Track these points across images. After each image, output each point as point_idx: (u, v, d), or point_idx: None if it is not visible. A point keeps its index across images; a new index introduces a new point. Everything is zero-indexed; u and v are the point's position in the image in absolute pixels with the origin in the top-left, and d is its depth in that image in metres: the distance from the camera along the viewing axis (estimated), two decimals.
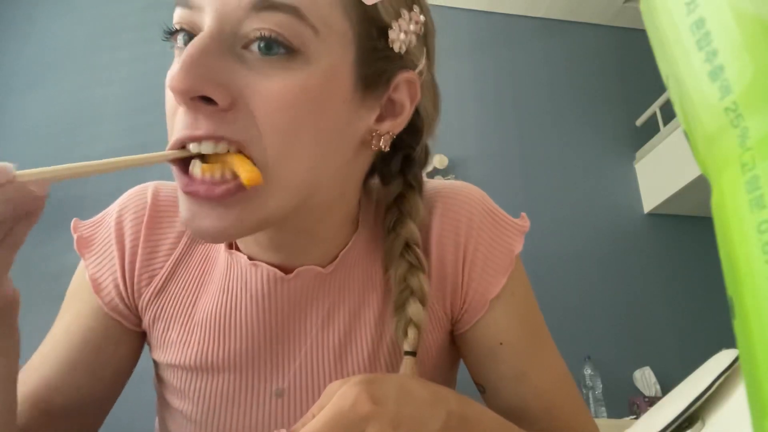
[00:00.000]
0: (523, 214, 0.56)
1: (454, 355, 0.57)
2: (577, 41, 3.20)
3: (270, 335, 0.49)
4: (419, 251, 0.48)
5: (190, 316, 0.50)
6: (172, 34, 0.41)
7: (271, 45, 0.36)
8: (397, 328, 0.47)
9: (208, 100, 0.36)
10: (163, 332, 0.50)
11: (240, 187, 0.36)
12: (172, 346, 0.50)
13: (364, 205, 0.52)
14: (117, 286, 0.50)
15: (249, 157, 0.37)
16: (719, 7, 0.18)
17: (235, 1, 0.36)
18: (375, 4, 0.40)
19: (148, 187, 0.52)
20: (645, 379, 2.45)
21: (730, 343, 0.22)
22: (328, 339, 0.49)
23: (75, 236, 0.51)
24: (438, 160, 2.71)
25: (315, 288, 0.48)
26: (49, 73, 2.70)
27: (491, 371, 0.52)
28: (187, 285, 0.50)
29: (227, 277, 0.49)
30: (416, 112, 0.47)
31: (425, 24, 0.46)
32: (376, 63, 0.42)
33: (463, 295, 0.51)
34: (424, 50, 0.47)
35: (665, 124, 2.77)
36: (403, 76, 0.44)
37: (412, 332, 0.46)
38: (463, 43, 3.05)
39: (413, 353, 0.46)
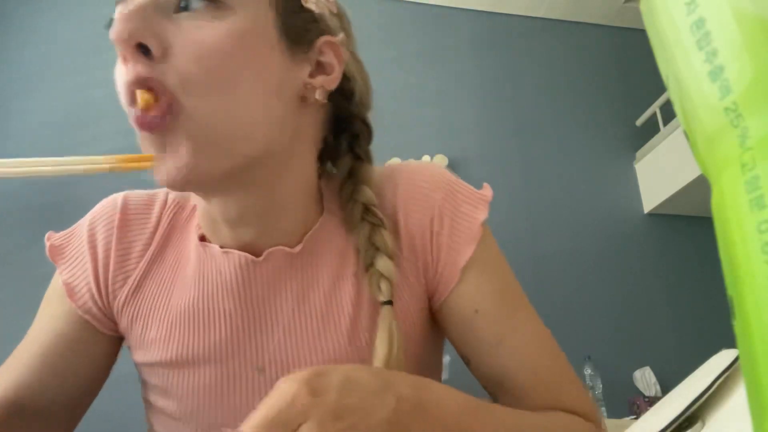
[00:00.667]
0: (486, 184, 0.58)
1: (438, 334, 0.58)
2: (577, 41, 3.20)
3: (248, 318, 0.50)
4: (378, 211, 0.51)
5: (167, 312, 0.51)
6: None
7: (191, 3, 0.41)
8: (371, 284, 0.49)
9: (144, 51, 0.40)
10: (142, 332, 0.51)
11: (168, 109, 0.40)
12: (153, 345, 0.51)
13: (327, 194, 0.55)
14: (90, 290, 0.52)
15: (183, 101, 0.41)
16: (719, 7, 0.18)
17: None
18: None
19: (118, 196, 0.56)
20: (645, 379, 2.45)
21: (730, 343, 0.22)
22: (305, 314, 0.50)
23: (47, 245, 0.54)
24: (438, 161, 2.71)
25: (286, 268, 0.50)
26: (49, 74, 2.70)
27: (471, 341, 0.52)
28: (162, 282, 0.52)
29: (201, 269, 0.51)
30: (348, 80, 0.52)
31: (339, 9, 0.53)
32: (296, 19, 0.47)
33: (434, 266, 0.53)
34: (343, 32, 0.52)
35: (665, 124, 2.77)
36: (325, 39, 0.49)
37: (384, 284, 0.49)
38: (463, 43, 3.05)
39: (389, 302, 0.48)
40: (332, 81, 0.49)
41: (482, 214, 0.54)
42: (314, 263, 0.51)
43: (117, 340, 0.54)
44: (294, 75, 0.47)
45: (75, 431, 0.54)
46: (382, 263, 0.49)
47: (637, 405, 2.37)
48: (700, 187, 2.52)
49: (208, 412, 0.50)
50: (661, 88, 2.59)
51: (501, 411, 0.45)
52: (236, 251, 0.50)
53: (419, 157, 2.70)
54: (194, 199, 0.55)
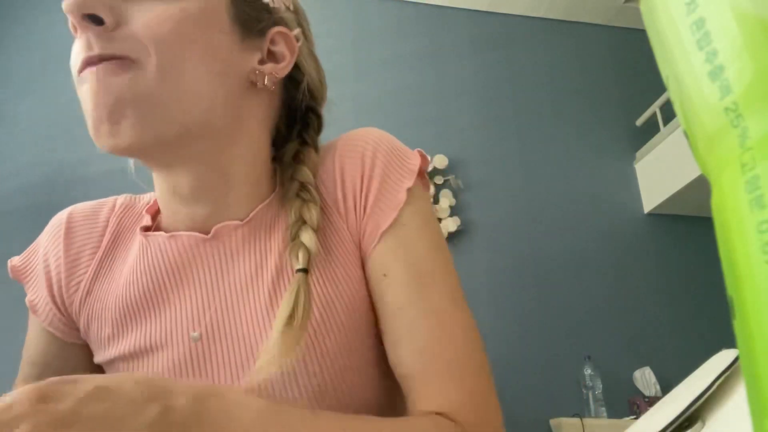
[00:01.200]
0: (420, 150, 0.58)
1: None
2: (577, 41, 3.20)
3: (192, 294, 0.52)
4: (312, 189, 0.53)
5: (116, 308, 0.52)
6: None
7: None
8: (291, 254, 0.50)
9: (97, 21, 0.43)
10: (98, 332, 0.53)
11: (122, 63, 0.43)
12: (109, 342, 0.52)
13: (281, 178, 0.57)
14: (49, 304, 0.54)
15: (138, 60, 0.43)
16: (719, 7, 0.18)
17: None
18: None
19: (65, 211, 0.58)
20: (645, 379, 2.45)
21: (730, 343, 0.22)
22: (235, 284, 0.52)
23: (9, 267, 0.57)
24: (438, 160, 2.71)
25: (238, 242, 0.52)
26: (48, 74, 2.70)
27: (379, 306, 0.52)
28: (111, 281, 0.54)
29: (145, 259, 0.53)
30: (301, 73, 0.56)
31: (296, 7, 0.57)
32: (248, 9, 0.50)
33: (362, 226, 0.54)
34: (300, 28, 0.56)
35: (665, 124, 2.77)
36: (277, 29, 0.53)
37: (302, 253, 0.49)
38: (463, 43, 3.05)
39: (304, 270, 0.48)
40: (281, 70, 0.53)
41: (408, 182, 0.53)
42: (260, 237, 0.53)
43: (87, 347, 0.56)
44: (243, 59, 0.50)
45: None
46: (306, 236, 0.50)
47: (637, 405, 2.37)
48: (700, 187, 2.52)
49: None
50: (661, 88, 2.59)
51: (324, 419, 0.42)
52: (184, 233, 0.52)
53: None
54: (154, 182, 0.55)
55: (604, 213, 2.83)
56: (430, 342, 0.49)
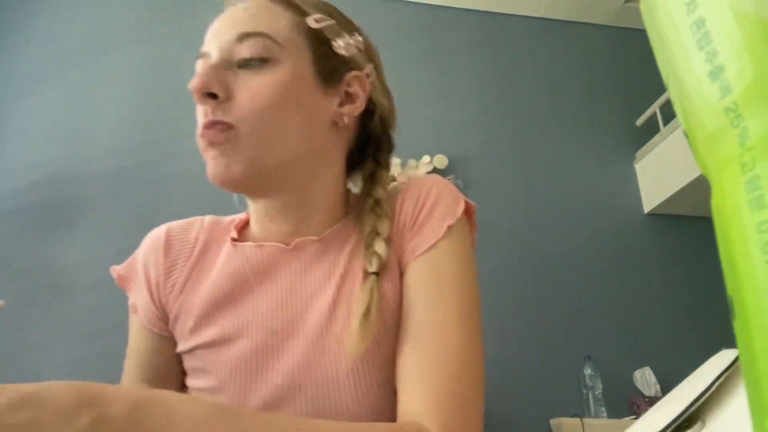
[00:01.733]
0: (469, 200, 0.65)
1: None
2: (577, 41, 3.20)
3: (273, 293, 0.60)
4: (385, 205, 0.63)
5: (202, 304, 0.60)
6: None
7: (249, 61, 0.57)
8: (366, 259, 0.59)
9: (213, 96, 0.55)
10: (183, 324, 0.61)
11: (226, 133, 0.55)
12: (192, 333, 0.60)
13: (353, 202, 0.67)
14: (149, 305, 0.63)
15: (236, 128, 0.56)
16: (719, 7, 0.18)
17: (226, 39, 0.58)
18: (321, 28, 0.61)
19: (162, 228, 0.68)
20: (645, 379, 2.45)
21: (730, 343, 0.22)
22: (310, 286, 0.60)
23: (115, 276, 0.67)
24: (438, 160, 2.71)
25: (314, 253, 0.62)
26: (48, 74, 2.70)
27: (402, 315, 0.59)
28: (199, 282, 0.62)
29: (232, 263, 0.62)
30: (373, 106, 0.65)
31: (366, 44, 0.67)
32: (328, 63, 0.61)
33: (404, 247, 0.62)
34: (371, 63, 0.66)
35: (665, 124, 2.77)
36: (352, 74, 0.63)
37: (376, 259, 0.58)
38: (463, 43, 3.05)
39: (376, 273, 0.57)
40: (357, 109, 0.63)
41: (450, 220, 0.61)
42: (331, 251, 0.62)
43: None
44: (325, 106, 0.61)
45: None
46: (379, 245, 0.59)
47: (637, 405, 2.37)
48: (700, 187, 2.52)
49: (240, 379, 0.57)
50: (661, 88, 2.59)
51: (278, 420, 0.44)
52: (269, 243, 0.62)
53: (419, 157, 2.70)
54: (249, 205, 0.67)
55: (604, 213, 2.83)
56: (428, 352, 0.53)
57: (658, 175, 2.77)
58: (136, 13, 2.88)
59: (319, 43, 0.60)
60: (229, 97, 0.56)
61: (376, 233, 0.60)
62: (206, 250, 0.65)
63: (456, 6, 3.10)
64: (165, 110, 2.69)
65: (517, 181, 2.80)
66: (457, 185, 2.73)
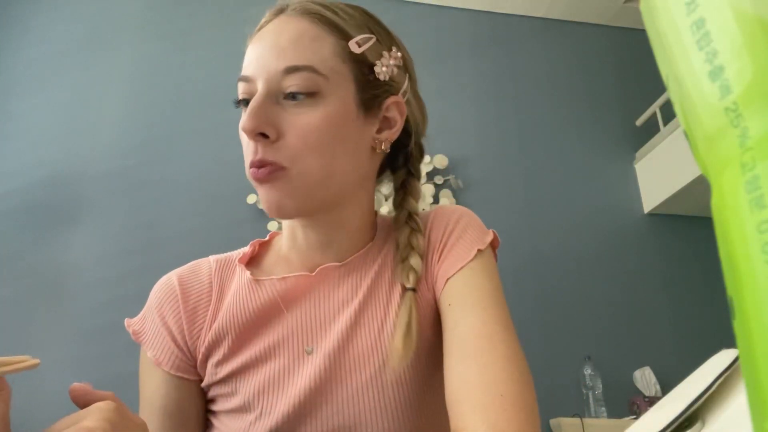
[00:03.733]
0: (495, 231, 0.67)
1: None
2: (577, 41, 3.20)
3: (300, 318, 0.62)
4: (418, 219, 0.65)
5: (231, 337, 0.62)
6: (238, 102, 0.62)
7: (296, 95, 0.57)
8: (402, 274, 0.61)
9: (264, 135, 0.57)
10: (213, 359, 0.63)
11: (278, 169, 0.57)
12: (221, 365, 0.62)
13: (381, 230, 0.69)
14: (174, 354, 0.63)
15: (287, 168, 0.57)
16: (719, 7, 0.18)
17: (273, 71, 0.58)
18: (363, 51, 0.61)
19: (171, 276, 0.67)
20: (645, 379, 2.45)
21: (730, 343, 0.22)
22: (343, 310, 0.62)
23: (130, 331, 0.66)
24: (438, 160, 2.71)
25: (335, 279, 0.64)
26: (48, 74, 2.70)
27: (444, 332, 0.60)
28: (224, 319, 0.63)
29: (258, 295, 0.63)
30: (407, 121, 0.66)
31: (403, 57, 0.66)
32: (369, 91, 0.61)
33: (436, 270, 0.64)
34: (407, 75, 0.67)
35: (665, 124, 2.77)
36: (391, 100, 0.63)
37: (412, 275, 0.60)
38: (463, 43, 3.05)
39: (413, 289, 0.60)
40: (395, 134, 0.64)
41: (479, 245, 0.62)
42: (353, 275, 0.64)
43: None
44: (365, 132, 0.62)
45: None
46: (414, 260, 0.61)
47: (637, 405, 2.37)
48: (700, 187, 2.52)
49: (267, 396, 0.59)
50: (661, 88, 2.59)
51: None
52: (291, 275, 0.63)
53: None
54: (285, 235, 0.68)
55: (604, 213, 2.83)
56: (475, 362, 0.53)
57: (658, 175, 2.77)
58: (136, 13, 2.88)
59: (361, 68, 0.61)
60: (280, 136, 0.57)
61: (411, 247, 0.62)
62: (222, 290, 0.66)
63: (456, 6, 3.10)
64: (165, 110, 2.69)
65: (517, 181, 2.80)
66: (457, 185, 2.74)
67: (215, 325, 0.63)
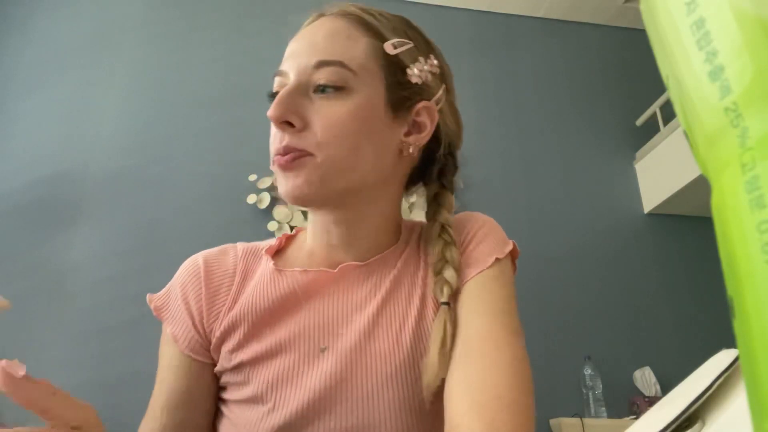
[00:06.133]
0: (517, 247, 0.68)
1: None
2: (577, 41, 3.20)
3: (317, 314, 0.63)
4: (452, 231, 0.65)
5: (249, 324, 0.63)
6: (273, 95, 0.62)
7: (324, 88, 0.58)
8: (436, 287, 0.61)
9: (290, 124, 0.58)
10: (228, 345, 0.63)
11: (298, 159, 0.57)
12: (236, 352, 0.62)
13: (405, 233, 0.69)
14: (191, 334, 0.64)
15: (313, 155, 0.57)
16: (719, 7, 0.18)
17: (305, 64, 0.59)
18: (397, 54, 0.62)
19: (197, 257, 0.69)
20: (645, 379, 2.45)
21: (730, 343, 0.22)
22: (363, 312, 0.62)
23: (152, 306, 0.67)
24: None
25: (356, 278, 0.64)
26: (49, 74, 2.70)
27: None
28: (243, 306, 0.64)
29: (279, 285, 0.64)
30: (438, 130, 0.66)
31: (440, 67, 0.67)
32: (400, 92, 0.62)
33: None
34: (443, 86, 0.67)
35: (665, 124, 2.77)
36: (422, 104, 0.63)
37: (446, 288, 0.60)
38: (463, 43, 3.05)
39: (447, 303, 0.59)
40: (423, 139, 0.64)
41: (497, 254, 0.63)
42: (374, 276, 0.65)
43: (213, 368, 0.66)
44: (393, 134, 0.62)
45: None
46: (449, 273, 0.61)
47: (637, 405, 2.37)
48: (700, 187, 2.52)
49: (281, 389, 0.59)
50: (661, 88, 2.59)
51: None
52: (313, 269, 0.64)
53: None
54: (310, 232, 0.69)
55: (604, 213, 2.83)
56: (478, 363, 0.54)
57: (658, 175, 2.77)
58: (136, 13, 2.88)
59: (394, 69, 0.62)
60: (306, 125, 0.58)
61: (445, 260, 0.62)
62: (246, 278, 0.67)
63: (456, 6, 3.10)
64: (165, 110, 2.69)
65: (517, 181, 2.80)
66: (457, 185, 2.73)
67: (233, 311, 0.64)
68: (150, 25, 2.86)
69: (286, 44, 0.64)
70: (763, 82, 0.17)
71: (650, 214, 2.86)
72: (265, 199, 2.59)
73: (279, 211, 2.56)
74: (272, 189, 2.58)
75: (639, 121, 2.94)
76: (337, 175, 0.58)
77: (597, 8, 3.17)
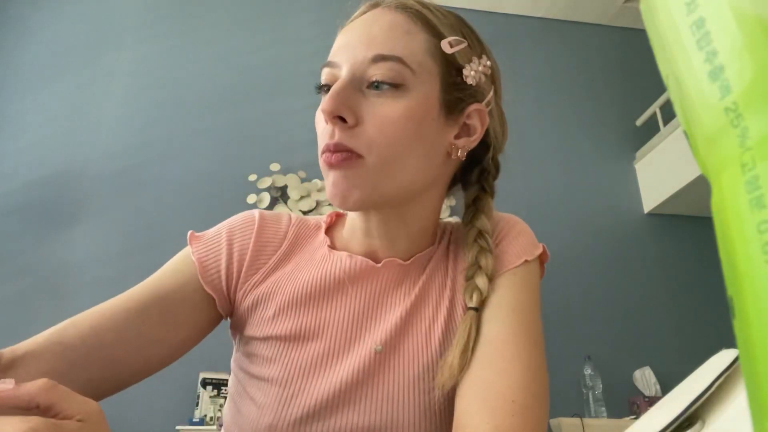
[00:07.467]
0: (547, 251, 0.67)
1: None
2: (577, 41, 3.20)
3: (361, 306, 0.62)
4: (489, 237, 0.63)
5: (286, 296, 0.62)
6: (321, 87, 0.60)
7: (380, 84, 0.56)
8: (466, 292, 0.60)
9: (342, 119, 0.55)
10: (262, 311, 0.62)
11: (352, 156, 0.55)
12: (270, 322, 0.61)
13: (440, 233, 0.68)
14: (219, 273, 0.62)
15: (362, 157, 0.55)
16: (719, 7, 0.18)
17: (361, 58, 0.56)
18: (453, 52, 0.60)
19: (253, 211, 0.68)
20: (645, 379, 2.45)
21: (730, 343, 0.22)
22: (406, 312, 0.61)
23: (189, 234, 0.65)
24: None
25: (397, 276, 0.64)
26: (49, 74, 2.70)
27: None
28: (285, 275, 0.63)
29: (323, 266, 0.63)
30: (487, 133, 0.64)
31: (492, 68, 0.66)
32: (454, 93, 0.60)
33: None
34: (492, 87, 0.65)
35: (665, 124, 2.77)
36: (474, 107, 0.61)
37: (476, 295, 0.59)
38: None
39: (475, 309, 0.58)
40: (473, 143, 0.62)
41: (526, 256, 0.63)
42: (410, 277, 0.64)
43: (215, 320, 0.64)
44: (443, 135, 0.60)
45: None
46: (480, 280, 0.59)
47: (637, 405, 2.37)
48: (700, 187, 2.52)
49: (306, 376, 0.59)
50: (661, 88, 2.59)
51: None
52: (360, 257, 0.63)
53: None
54: (350, 218, 0.68)
55: (604, 213, 2.83)
56: (493, 365, 0.54)
57: (658, 175, 2.77)
58: (137, 13, 2.88)
59: (450, 69, 0.60)
60: (358, 122, 0.56)
61: (478, 266, 0.61)
62: (295, 245, 0.67)
63: (456, 6, 3.10)
64: (165, 110, 2.69)
65: (516, 180, 2.80)
66: None
67: (274, 276, 0.63)
68: (150, 24, 2.86)
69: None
70: (763, 82, 0.17)
71: (650, 214, 2.86)
72: (265, 199, 2.59)
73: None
74: (272, 189, 2.58)
75: (639, 121, 2.94)
76: (387, 180, 0.57)
77: (597, 8, 3.17)
